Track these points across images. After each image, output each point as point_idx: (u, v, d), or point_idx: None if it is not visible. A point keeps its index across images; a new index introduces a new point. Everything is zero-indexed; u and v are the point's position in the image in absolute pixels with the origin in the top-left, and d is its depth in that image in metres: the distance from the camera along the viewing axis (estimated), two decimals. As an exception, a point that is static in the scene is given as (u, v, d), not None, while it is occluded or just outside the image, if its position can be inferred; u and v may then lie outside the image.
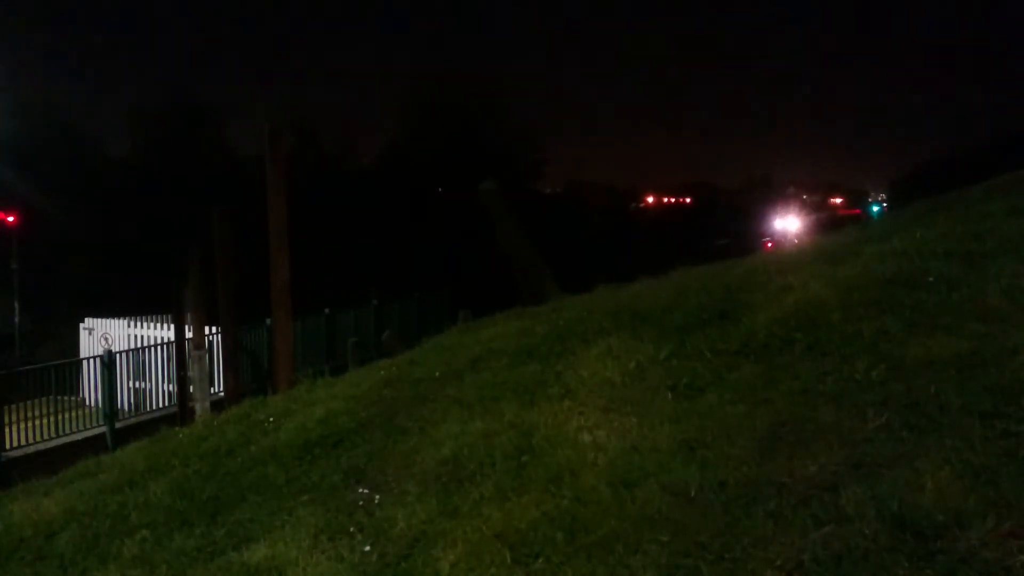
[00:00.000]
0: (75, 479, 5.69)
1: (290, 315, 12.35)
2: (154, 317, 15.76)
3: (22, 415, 11.81)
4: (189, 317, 13.47)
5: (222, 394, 13.20)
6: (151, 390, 14.08)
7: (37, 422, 11.95)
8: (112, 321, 15.94)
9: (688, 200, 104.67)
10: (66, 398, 12.85)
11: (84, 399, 13.89)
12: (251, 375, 14.68)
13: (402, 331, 16.51)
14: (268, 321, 13.72)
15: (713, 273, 6.70)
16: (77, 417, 12.69)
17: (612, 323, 5.49)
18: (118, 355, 13.51)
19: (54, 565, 4.06)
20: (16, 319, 21.69)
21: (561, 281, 12.16)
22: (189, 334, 13.43)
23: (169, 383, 13.95)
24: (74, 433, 12.39)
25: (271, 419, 5.79)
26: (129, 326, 15.43)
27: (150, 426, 10.20)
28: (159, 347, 14.25)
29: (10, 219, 22.91)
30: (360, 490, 3.94)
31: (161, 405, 13.97)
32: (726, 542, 2.60)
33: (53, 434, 12.03)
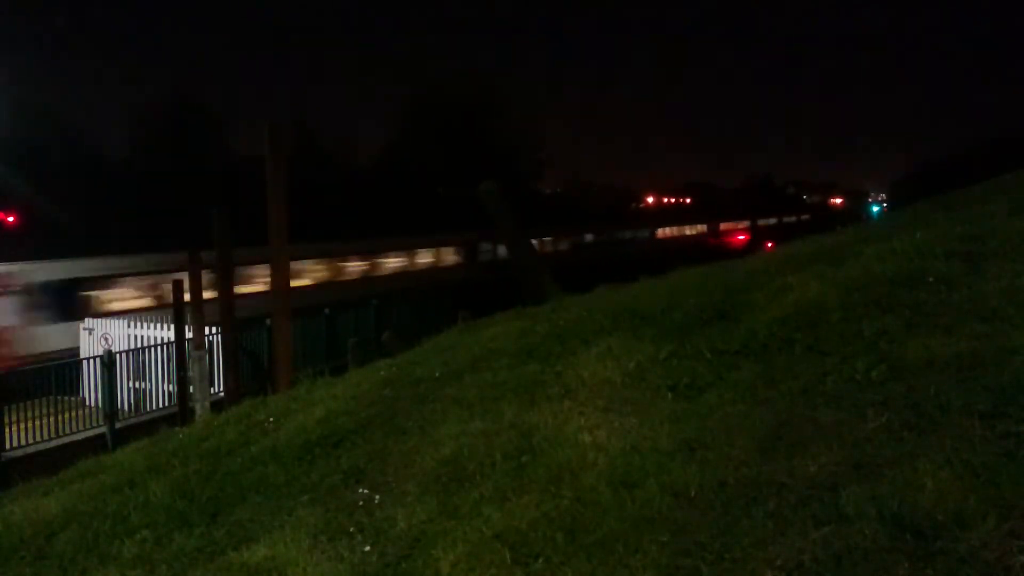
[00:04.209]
0: (75, 479, 5.69)
1: (289, 315, 12.35)
2: (154, 317, 15.75)
3: (22, 415, 11.81)
4: (189, 317, 13.47)
5: (222, 394, 13.20)
6: (151, 390, 14.07)
7: (37, 422, 11.95)
8: (112, 321, 15.94)
9: (688, 200, 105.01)
10: (66, 398, 12.85)
11: (84, 399, 13.88)
12: (251, 375, 14.67)
13: (402, 331, 16.50)
14: (268, 321, 13.72)
15: (713, 273, 6.70)
16: (77, 417, 12.69)
17: (612, 323, 5.49)
18: (118, 355, 13.51)
19: (54, 565, 4.05)
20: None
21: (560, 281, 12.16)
22: (189, 334, 13.42)
23: (169, 383, 13.95)
24: (74, 433, 12.40)
25: (271, 419, 5.79)
26: (129, 326, 15.42)
27: (150, 426, 10.21)
28: (159, 347, 14.24)
29: (10, 219, 22.91)
30: (360, 490, 3.94)
31: (161, 405, 13.96)
32: (726, 542, 2.60)
33: (53, 434, 12.04)
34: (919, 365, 3.45)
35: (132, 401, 13.85)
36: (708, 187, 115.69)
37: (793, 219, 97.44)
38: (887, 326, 3.95)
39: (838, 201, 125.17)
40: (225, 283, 12.66)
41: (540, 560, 2.84)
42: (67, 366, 13.75)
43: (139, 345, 14.59)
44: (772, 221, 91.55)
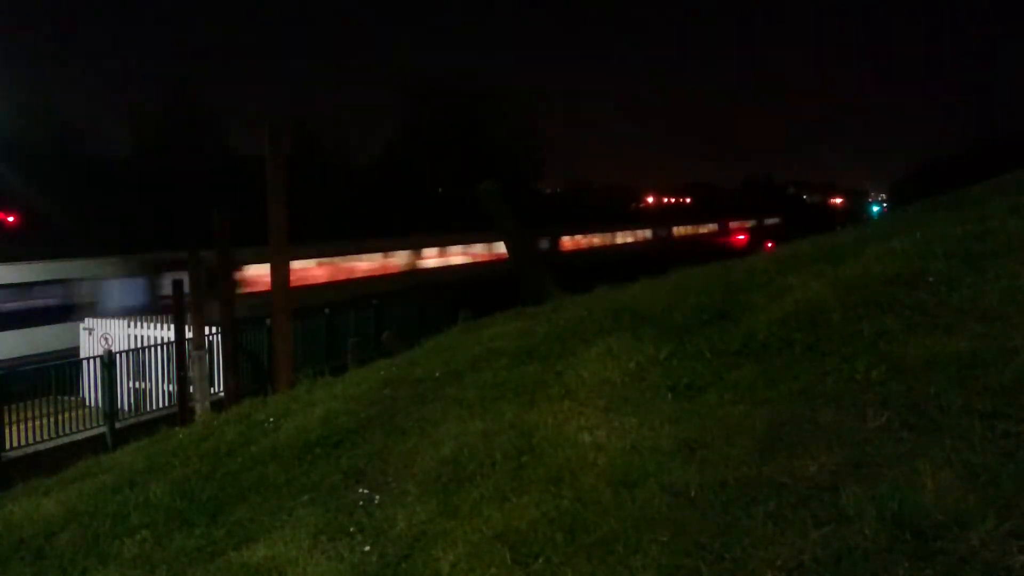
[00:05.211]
0: (75, 479, 5.69)
1: (289, 315, 12.35)
2: (154, 317, 15.75)
3: (22, 415, 11.81)
4: (189, 317, 13.47)
5: (222, 394, 13.20)
6: (151, 390, 14.07)
7: (37, 422, 11.95)
8: (112, 321, 15.94)
9: (688, 200, 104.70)
10: (66, 398, 12.85)
11: (84, 399, 13.88)
12: (251, 375, 14.67)
13: (402, 331, 16.53)
14: (268, 321, 13.72)
15: (713, 273, 6.70)
16: (77, 417, 12.69)
17: (612, 323, 5.49)
18: (118, 355, 13.51)
19: (54, 565, 4.05)
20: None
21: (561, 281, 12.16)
22: (189, 334, 13.42)
23: (169, 383, 13.95)
24: (74, 433, 12.39)
25: (271, 419, 5.79)
26: (129, 326, 15.42)
27: (150, 426, 10.19)
28: (159, 347, 14.24)
29: (10, 219, 22.91)
30: (360, 490, 3.94)
31: (161, 405, 13.96)
32: (726, 542, 2.60)
33: (53, 434, 12.03)
34: (919, 365, 3.45)
35: (132, 401, 13.85)
36: (709, 187, 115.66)
37: (750, 224, 77.19)
38: (887, 326, 3.95)
39: (838, 201, 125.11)
40: (226, 283, 12.66)
41: (540, 560, 2.84)
42: (67, 366, 13.75)
43: (139, 345, 14.60)
44: (706, 229, 67.84)
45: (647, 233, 57.78)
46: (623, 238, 53.72)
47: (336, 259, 28.07)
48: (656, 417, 3.74)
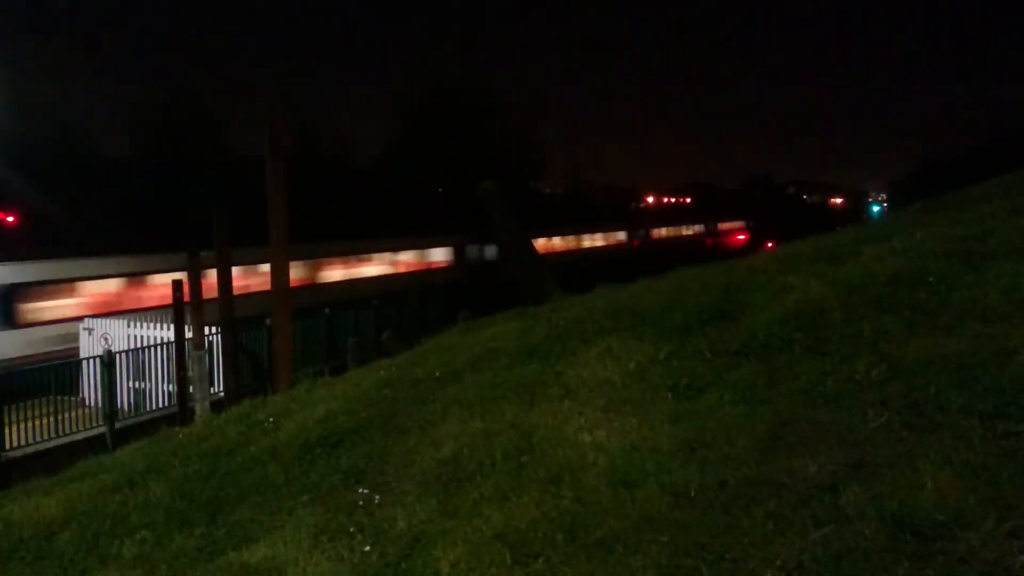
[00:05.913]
0: (75, 479, 5.69)
1: (289, 315, 12.35)
2: (154, 317, 15.74)
3: (22, 415, 11.81)
4: (189, 317, 13.46)
5: (222, 394, 13.19)
6: (151, 390, 14.07)
7: (37, 422, 11.95)
8: (112, 321, 15.92)
9: (688, 200, 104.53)
10: (66, 398, 12.85)
11: (84, 399, 13.88)
12: (251, 375, 14.66)
13: (402, 331, 16.52)
14: (268, 321, 13.72)
15: (713, 273, 6.70)
16: (77, 417, 12.69)
17: (612, 323, 5.49)
18: (118, 355, 13.50)
19: (54, 565, 4.05)
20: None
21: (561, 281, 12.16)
22: (189, 334, 13.42)
23: (169, 383, 13.94)
24: (74, 433, 12.39)
25: (271, 419, 5.79)
26: (129, 326, 15.41)
27: (150, 426, 10.20)
28: (159, 347, 14.24)
29: (10, 219, 22.92)
30: (360, 490, 3.94)
31: (161, 405, 13.95)
32: (726, 542, 2.60)
33: (53, 434, 12.03)
34: (919, 365, 3.45)
35: (132, 401, 13.84)
36: (709, 187, 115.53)
37: (691, 232, 60.36)
38: (887, 326, 3.95)
39: (838, 201, 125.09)
40: (225, 283, 12.66)
41: (540, 560, 2.84)
42: (67, 366, 13.74)
43: (139, 345, 14.59)
44: (604, 240, 48.64)
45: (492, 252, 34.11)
46: (422, 260, 31.59)
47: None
48: (656, 417, 3.74)
